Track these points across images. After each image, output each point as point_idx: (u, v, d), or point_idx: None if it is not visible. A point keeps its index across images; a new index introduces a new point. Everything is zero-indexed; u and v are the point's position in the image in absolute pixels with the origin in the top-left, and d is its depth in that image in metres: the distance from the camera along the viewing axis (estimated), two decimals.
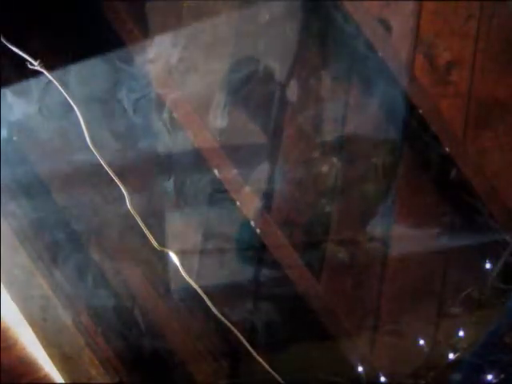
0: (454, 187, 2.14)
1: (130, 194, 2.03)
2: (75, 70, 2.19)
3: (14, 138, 2.20)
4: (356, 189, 2.20)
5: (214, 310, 2.06)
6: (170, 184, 2.23)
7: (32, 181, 2.20)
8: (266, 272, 2.19)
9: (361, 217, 2.19)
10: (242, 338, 2.08)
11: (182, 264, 2.06)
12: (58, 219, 2.20)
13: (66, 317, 2.14)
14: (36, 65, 1.96)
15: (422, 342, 2.10)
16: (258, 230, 2.13)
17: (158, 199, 2.23)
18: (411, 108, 2.11)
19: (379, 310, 2.17)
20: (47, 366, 2.12)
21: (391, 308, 2.16)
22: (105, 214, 2.21)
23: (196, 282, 2.09)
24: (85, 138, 1.99)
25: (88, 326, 2.17)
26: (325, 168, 2.21)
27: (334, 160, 2.20)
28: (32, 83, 2.15)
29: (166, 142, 2.21)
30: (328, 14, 2.16)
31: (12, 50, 1.95)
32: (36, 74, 2.00)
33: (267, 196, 2.20)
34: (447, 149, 2.09)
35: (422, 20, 2.15)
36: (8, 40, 1.95)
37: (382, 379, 2.09)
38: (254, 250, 2.18)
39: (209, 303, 2.06)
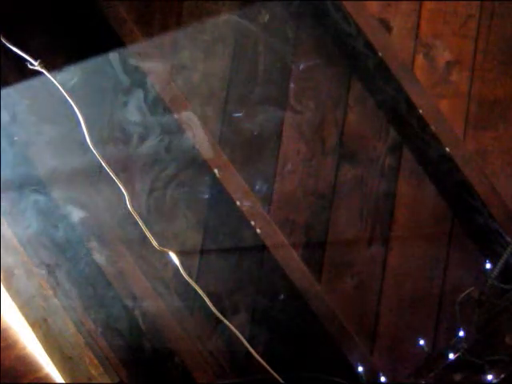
0: (454, 187, 2.14)
1: (129, 194, 2.03)
2: (75, 70, 2.19)
3: (15, 138, 2.20)
4: (356, 189, 2.20)
5: (213, 310, 2.06)
6: (170, 184, 2.23)
7: (32, 181, 2.20)
8: (266, 272, 2.19)
9: (361, 217, 2.19)
10: (241, 337, 2.07)
11: (182, 264, 2.06)
12: (57, 219, 2.20)
13: (66, 317, 2.14)
14: (36, 65, 1.95)
15: (421, 342, 2.10)
16: (258, 230, 2.13)
17: (158, 199, 2.23)
18: (411, 108, 2.11)
19: (379, 310, 2.17)
20: (47, 365, 2.12)
21: (391, 308, 2.16)
22: (105, 213, 2.21)
23: (196, 282, 2.09)
24: (85, 138, 1.98)
25: (88, 325, 2.17)
26: (325, 168, 2.21)
27: (334, 160, 2.21)
28: (32, 83, 2.15)
29: (166, 142, 2.21)
30: (328, 14, 2.16)
31: (12, 50, 1.95)
32: (36, 73, 2.00)
33: (267, 196, 2.20)
34: (447, 149, 2.09)
35: (422, 20, 2.15)
36: (8, 40, 1.95)
37: (382, 379, 2.09)
38: (254, 250, 2.18)
39: (209, 303, 2.06)
